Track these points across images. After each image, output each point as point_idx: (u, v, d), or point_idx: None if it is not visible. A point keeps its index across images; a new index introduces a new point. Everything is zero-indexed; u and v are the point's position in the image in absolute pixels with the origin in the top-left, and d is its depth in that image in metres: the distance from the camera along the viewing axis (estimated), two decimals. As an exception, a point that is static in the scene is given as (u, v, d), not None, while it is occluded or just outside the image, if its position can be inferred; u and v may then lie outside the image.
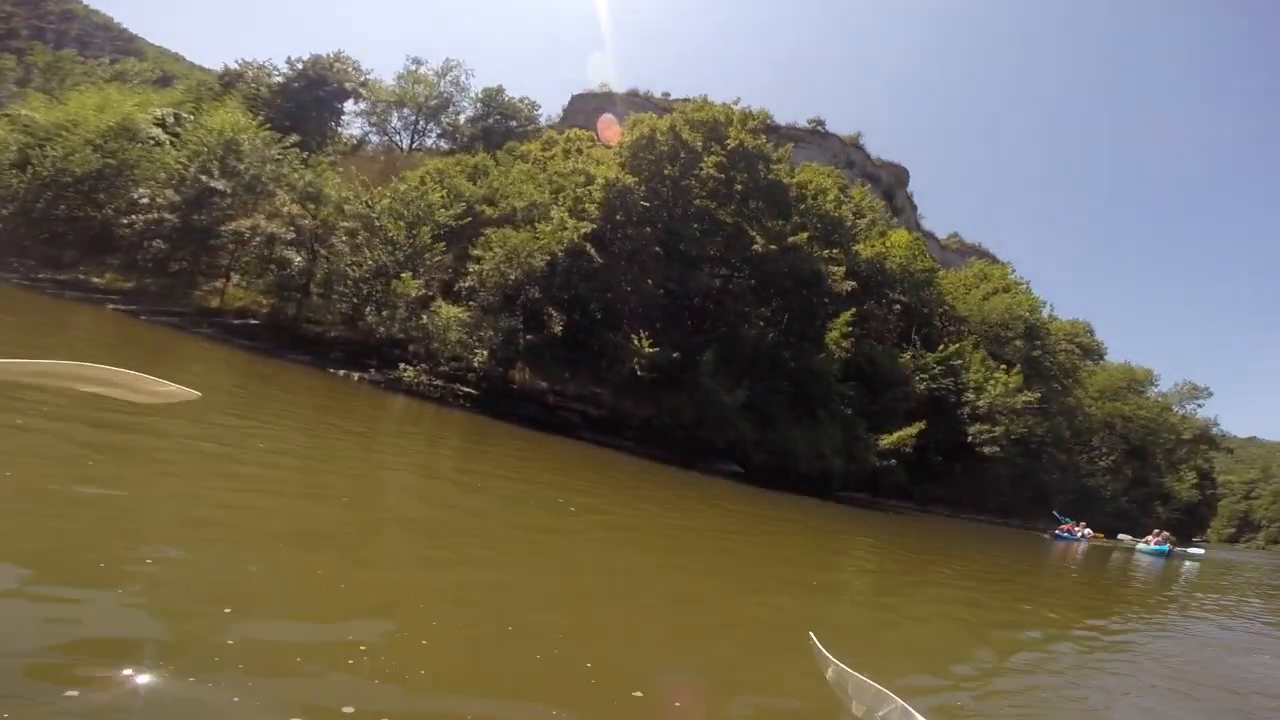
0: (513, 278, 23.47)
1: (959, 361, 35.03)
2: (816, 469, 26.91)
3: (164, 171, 25.43)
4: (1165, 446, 55.91)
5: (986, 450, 33.92)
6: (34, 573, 3.23)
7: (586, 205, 26.30)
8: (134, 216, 24.76)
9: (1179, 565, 26.68)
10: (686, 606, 5.92)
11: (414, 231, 23.93)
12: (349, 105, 43.76)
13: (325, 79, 40.30)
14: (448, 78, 46.01)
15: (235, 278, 24.80)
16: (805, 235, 28.25)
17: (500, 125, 45.70)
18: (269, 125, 28.79)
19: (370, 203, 24.57)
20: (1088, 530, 34.07)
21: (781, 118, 57.68)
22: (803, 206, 30.39)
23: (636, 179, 26.55)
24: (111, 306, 22.68)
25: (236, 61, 40.34)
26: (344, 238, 23.88)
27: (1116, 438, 51.51)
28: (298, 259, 23.75)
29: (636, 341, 23.92)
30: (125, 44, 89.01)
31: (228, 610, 3.23)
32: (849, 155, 62.87)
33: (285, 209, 23.68)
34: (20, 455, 5.23)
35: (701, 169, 27.07)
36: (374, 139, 45.72)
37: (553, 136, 40.38)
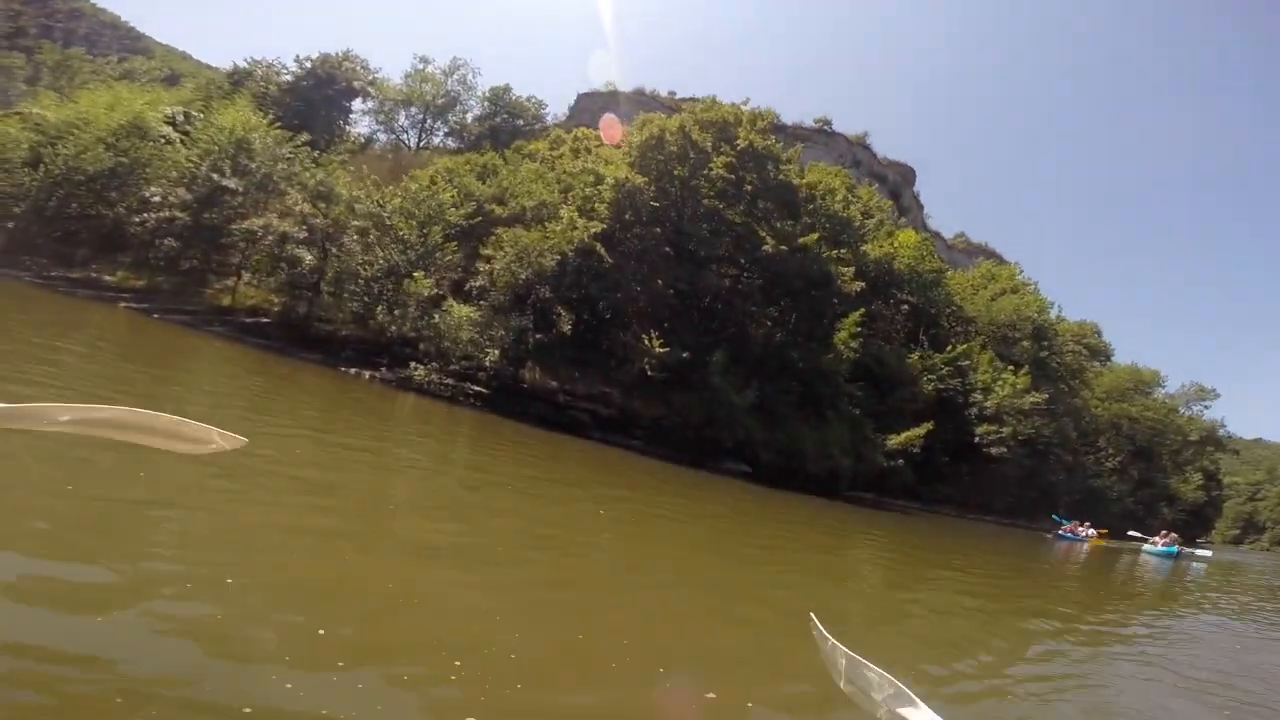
0: (523, 277, 23.52)
1: (967, 362, 35.00)
2: (824, 469, 26.94)
3: (175, 170, 25.49)
4: (1171, 448, 55.79)
5: (993, 451, 33.89)
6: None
7: (596, 205, 26.32)
8: (146, 215, 24.82)
9: (1188, 566, 26.67)
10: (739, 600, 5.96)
11: (425, 231, 23.99)
12: (356, 104, 43.85)
13: (334, 77, 40.35)
14: (455, 76, 46.00)
15: (246, 276, 24.89)
16: (815, 236, 28.27)
17: (507, 124, 45.67)
18: (278, 124, 28.83)
19: (381, 202, 24.63)
20: (1091, 530, 33.99)
21: (788, 117, 57.64)
22: (811, 207, 30.38)
23: (646, 179, 26.57)
24: (124, 305, 22.78)
25: (245, 60, 40.43)
26: (355, 237, 23.94)
27: (1123, 439, 51.41)
28: (309, 257, 23.82)
29: (647, 341, 23.96)
30: (132, 42, 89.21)
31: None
32: (855, 154, 62.76)
33: (297, 208, 23.74)
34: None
35: (711, 169, 27.06)
36: (381, 137, 45.81)
37: (560, 135, 40.38)
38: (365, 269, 23.42)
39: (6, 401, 2.11)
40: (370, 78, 42.77)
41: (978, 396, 34.46)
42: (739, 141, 27.53)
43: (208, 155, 25.36)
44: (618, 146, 31.65)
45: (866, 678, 2.00)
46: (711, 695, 3.58)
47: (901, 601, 8.66)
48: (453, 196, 25.92)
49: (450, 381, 21.93)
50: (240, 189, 24.79)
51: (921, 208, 69.78)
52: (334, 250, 24.09)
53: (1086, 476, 45.76)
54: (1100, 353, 51.75)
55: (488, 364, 22.28)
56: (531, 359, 23.60)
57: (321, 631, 3.27)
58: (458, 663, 3.23)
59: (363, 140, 43.76)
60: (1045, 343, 40.49)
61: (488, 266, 24.37)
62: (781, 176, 28.96)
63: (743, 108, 29.44)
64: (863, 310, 29.72)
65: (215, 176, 24.72)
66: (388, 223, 23.91)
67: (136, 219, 24.92)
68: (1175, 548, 29.25)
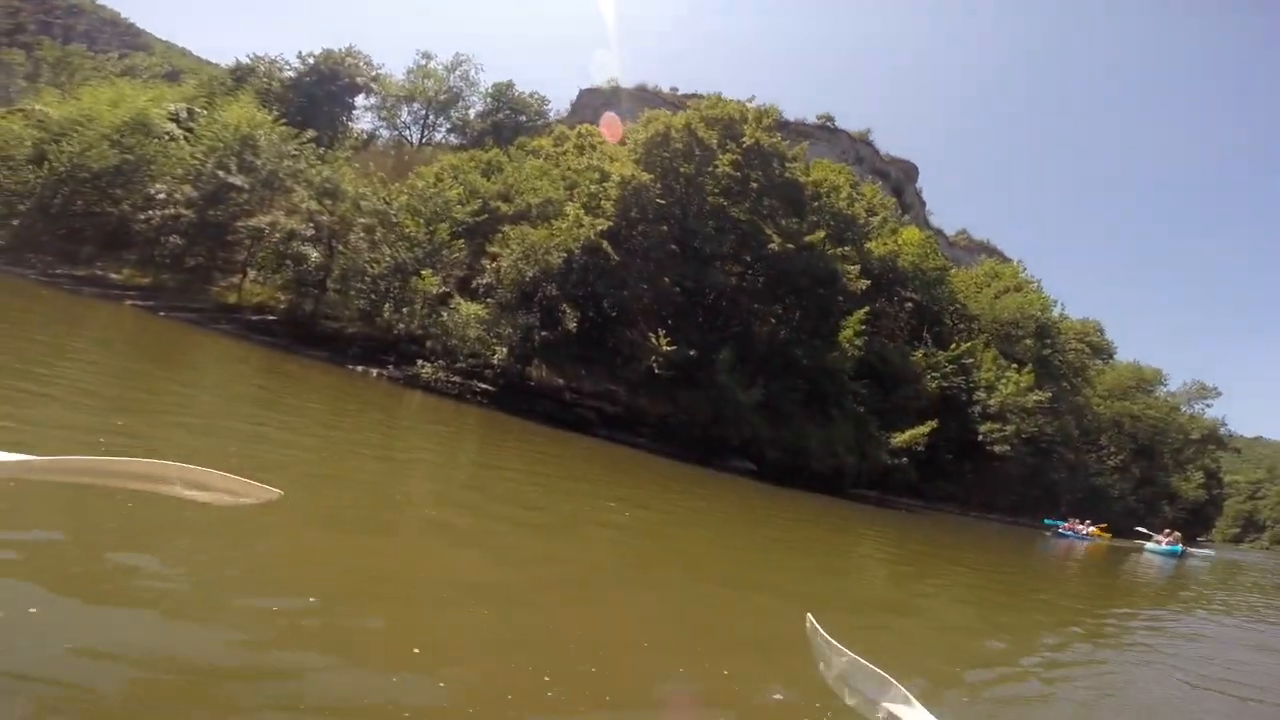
0: (530, 275, 23.50)
1: (970, 360, 34.99)
2: (829, 466, 26.97)
3: (181, 167, 25.43)
4: (1173, 446, 55.81)
5: (997, 449, 33.88)
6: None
7: (602, 202, 26.30)
8: (151, 212, 24.75)
9: (1191, 565, 26.73)
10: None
11: (432, 228, 23.96)
12: (359, 100, 43.67)
13: (337, 73, 40.19)
14: (457, 72, 45.83)
15: (251, 273, 24.84)
16: (822, 234, 28.25)
17: (510, 120, 45.54)
18: (282, 120, 28.76)
19: (388, 199, 24.59)
20: (1091, 528, 33.99)
21: (790, 113, 57.42)
22: (816, 204, 30.36)
23: (652, 176, 26.53)
24: (130, 302, 22.73)
25: (248, 56, 40.27)
26: (361, 234, 23.90)
27: (1125, 437, 51.44)
28: (315, 255, 23.78)
29: (654, 339, 23.95)
30: (132, 39, 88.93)
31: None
32: (858, 151, 62.62)
33: (304, 205, 23.70)
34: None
35: (716, 166, 27.03)
36: (384, 133, 45.69)
37: (564, 132, 40.28)
38: (372, 266, 23.39)
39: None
40: (373, 74, 42.62)
41: (981, 394, 34.44)
42: (745, 139, 27.50)
43: (213, 152, 25.29)
44: (622, 143, 31.59)
45: (860, 676, 1.96)
46: (733, 689, 3.59)
47: (907, 597, 8.69)
48: (459, 194, 25.88)
49: (457, 379, 21.92)
50: (246, 186, 24.74)
51: (924, 204, 69.69)
52: (340, 247, 24.06)
53: (1088, 475, 45.80)
54: (1103, 351, 51.69)
55: (495, 362, 22.27)
56: (538, 357, 23.60)
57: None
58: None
59: (365, 136, 43.63)
60: (1048, 341, 40.48)
61: (494, 264, 24.34)
62: (787, 174, 28.93)
63: (748, 105, 29.42)
64: (867, 308, 29.68)
65: (221, 173, 24.67)
66: (394, 220, 23.87)
67: (142, 216, 24.86)
68: (1179, 547, 29.31)
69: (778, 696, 3.66)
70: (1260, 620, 12.67)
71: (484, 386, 22.11)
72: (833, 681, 2.04)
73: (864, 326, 29.07)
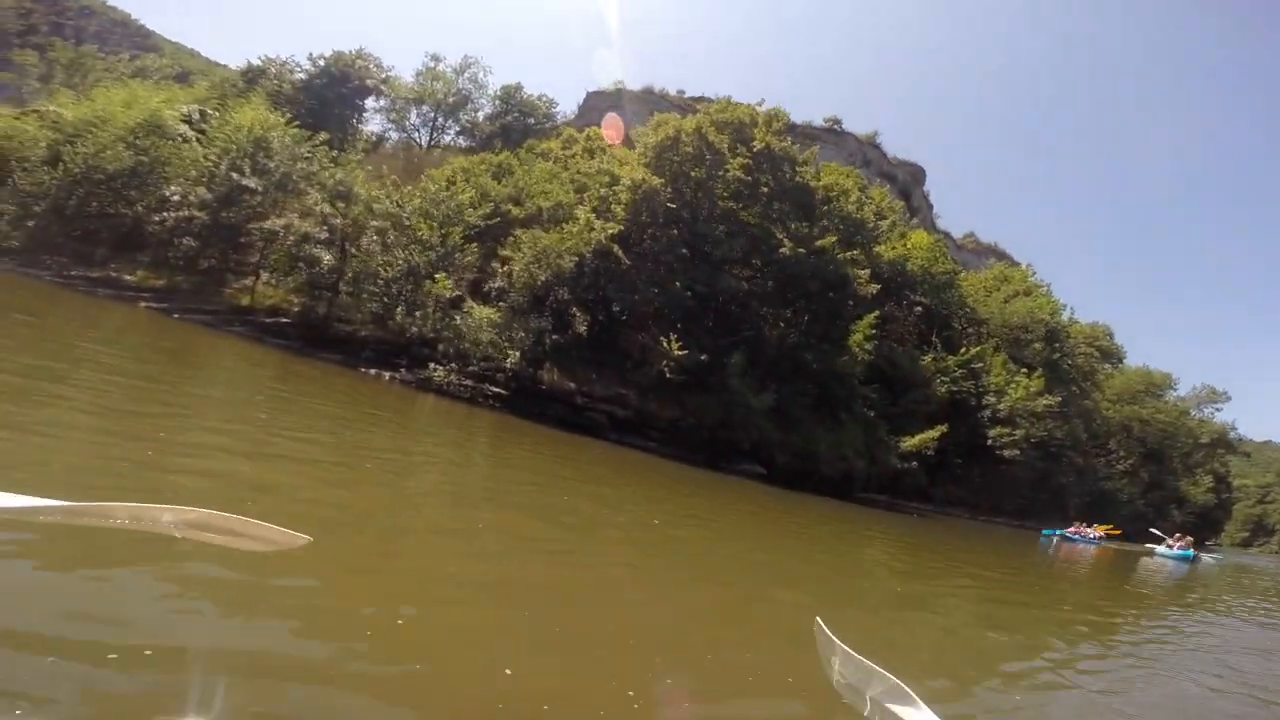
0: (542, 279, 23.56)
1: (980, 364, 34.94)
2: (839, 470, 26.95)
3: (195, 169, 25.56)
4: (1182, 450, 55.63)
5: (1006, 454, 33.84)
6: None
7: (613, 205, 26.34)
8: (165, 214, 24.88)
9: (1202, 569, 26.61)
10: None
11: (445, 232, 24.04)
12: (368, 102, 43.85)
13: (348, 76, 40.37)
14: (466, 75, 46.00)
15: (264, 276, 24.96)
16: (832, 239, 28.25)
17: (519, 123, 45.64)
18: (294, 122, 28.91)
19: (400, 202, 24.68)
20: (1100, 533, 33.79)
21: (798, 116, 57.43)
22: (826, 208, 30.35)
23: (662, 180, 26.56)
24: (144, 304, 22.89)
25: (259, 58, 40.48)
26: (374, 237, 23.99)
27: (1134, 441, 51.29)
28: (328, 258, 23.89)
29: (666, 344, 23.98)
30: (142, 40, 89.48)
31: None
32: (865, 154, 62.59)
33: (318, 208, 23.80)
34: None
35: (727, 170, 27.04)
36: (393, 136, 45.85)
37: (573, 135, 40.38)
38: (385, 270, 23.48)
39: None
40: (383, 76, 42.79)
41: (990, 399, 34.40)
42: (755, 143, 27.50)
43: (226, 154, 25.42)
44: (630, 146, 31.64)
45: (865, 677, 1.97)
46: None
47: (916, 599, 8.69)
48: (471, 197, 25.97)
49: (469, 383, 22.00)
50: (259, 188, 24.85)
51: (931, 207, 69.58)
52: (353, 250, 24.16)
53: (1097, 479, 45.69)
54: (1112, 355, 51.54)
55: (508, 365, 22.33)
56: (550, 360, 23.65)
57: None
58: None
59: (375, 139, 43.81)
60: (1058, 345, 40.41)
61: (505, 268, 24.41)
62: (798, 178, 28.93)
63: (758, 109, 29.42)
64: (877, 313, 29.67)
65: (235, 176, 24.79)
66: (407, 223, 23.96)
67: (156, 218, 25.00)
68: (1191, 551, 29.20)
69: (783, 698, 3.71)
70: (1272, 625, 12.62)
71: (496, 390, 22.17)
72: (833, 678, 2.06)
73: (873, 331, 29.07)
